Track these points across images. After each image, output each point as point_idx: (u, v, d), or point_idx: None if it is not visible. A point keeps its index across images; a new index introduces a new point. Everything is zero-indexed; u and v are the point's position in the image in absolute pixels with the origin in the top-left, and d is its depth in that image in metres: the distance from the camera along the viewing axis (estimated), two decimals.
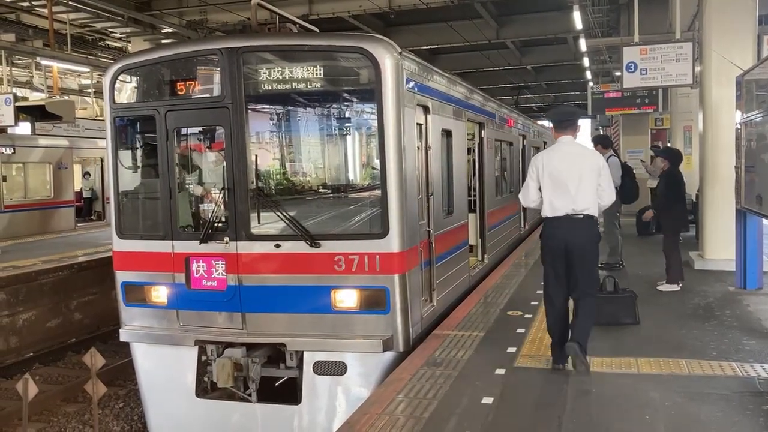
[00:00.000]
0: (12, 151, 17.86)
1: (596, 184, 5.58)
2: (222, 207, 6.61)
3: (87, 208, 22.42)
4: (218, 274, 6.57)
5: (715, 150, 9.98)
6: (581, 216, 5.53)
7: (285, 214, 6.44)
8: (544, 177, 5.61)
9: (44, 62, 19.43)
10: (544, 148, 19.26)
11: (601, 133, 20.55)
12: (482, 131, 10.46)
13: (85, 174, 22.55)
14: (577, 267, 5.55)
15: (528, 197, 5.78)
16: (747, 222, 8.53)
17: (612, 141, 13.83)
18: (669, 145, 17.12)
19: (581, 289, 5.59)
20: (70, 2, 17.29)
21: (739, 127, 8.47)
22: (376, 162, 6.41)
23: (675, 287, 8.76)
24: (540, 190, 5.66)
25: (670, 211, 9.00)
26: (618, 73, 14.73)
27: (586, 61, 21.50)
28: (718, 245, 9.97)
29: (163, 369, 6.92)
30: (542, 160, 5.69)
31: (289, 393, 6.68)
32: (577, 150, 5.73)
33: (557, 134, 5.84)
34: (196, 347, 6.69)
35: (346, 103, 6.84)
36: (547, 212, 5.63)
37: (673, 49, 10.11)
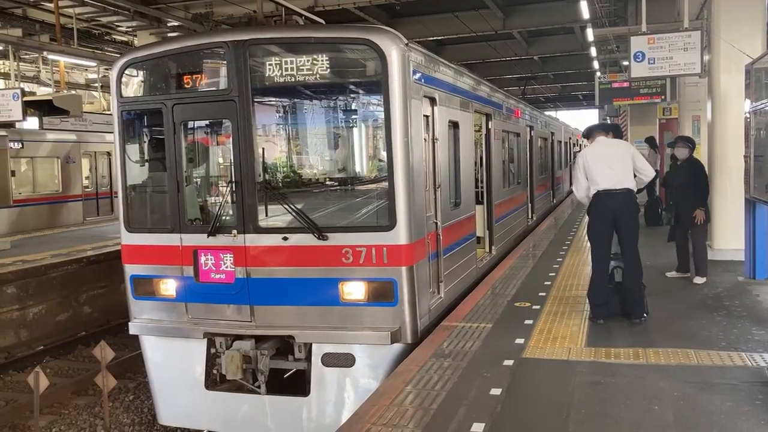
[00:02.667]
0: (20, 145, 17.93)
1: (631, 164, 6.84)
2: (229, 200, 6.63)
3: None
4: (226, 267, 6.59)
5: (724, 139, 9.91)
6: (622, 189, 6.75)
7: (292, 206, 6.44)
8: (590, 165, 6.85)
9: (51, 57, 19.47)
10: (552, 140, 19.47)
11: (608, 123, 20.45)
12: (489, 122, 10.43)
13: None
14: (623, 229, 6.83)
15: (580, 189, 7.02)
16: (756, 212, 8.48)
17: (622, 131, 13.74)
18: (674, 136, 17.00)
19: (627, 243, 6.87)
20: None
21: (748, 116, 8.41)
22: (383, 154, 6.39)
23: (704, 279, 8.58)
24: (587, 180, 6.88)
25: (699, 201, 8.53)
26: (625, 63, 14.64)
27: (593, 51, 21.34)
28: (727, 235, 9.91)
29: (173, 361, 6.96)
30: (586, 154, 7.03)
31: (297, 385, 6.71)
32: (612, 141, 7.12)
33: (592, 139, 7.18)
34: (205, 340, 6.73)
35: (352, 95, 6.82)
36: (599, 187, 6.79)
37: (681, 38, 10.00)
